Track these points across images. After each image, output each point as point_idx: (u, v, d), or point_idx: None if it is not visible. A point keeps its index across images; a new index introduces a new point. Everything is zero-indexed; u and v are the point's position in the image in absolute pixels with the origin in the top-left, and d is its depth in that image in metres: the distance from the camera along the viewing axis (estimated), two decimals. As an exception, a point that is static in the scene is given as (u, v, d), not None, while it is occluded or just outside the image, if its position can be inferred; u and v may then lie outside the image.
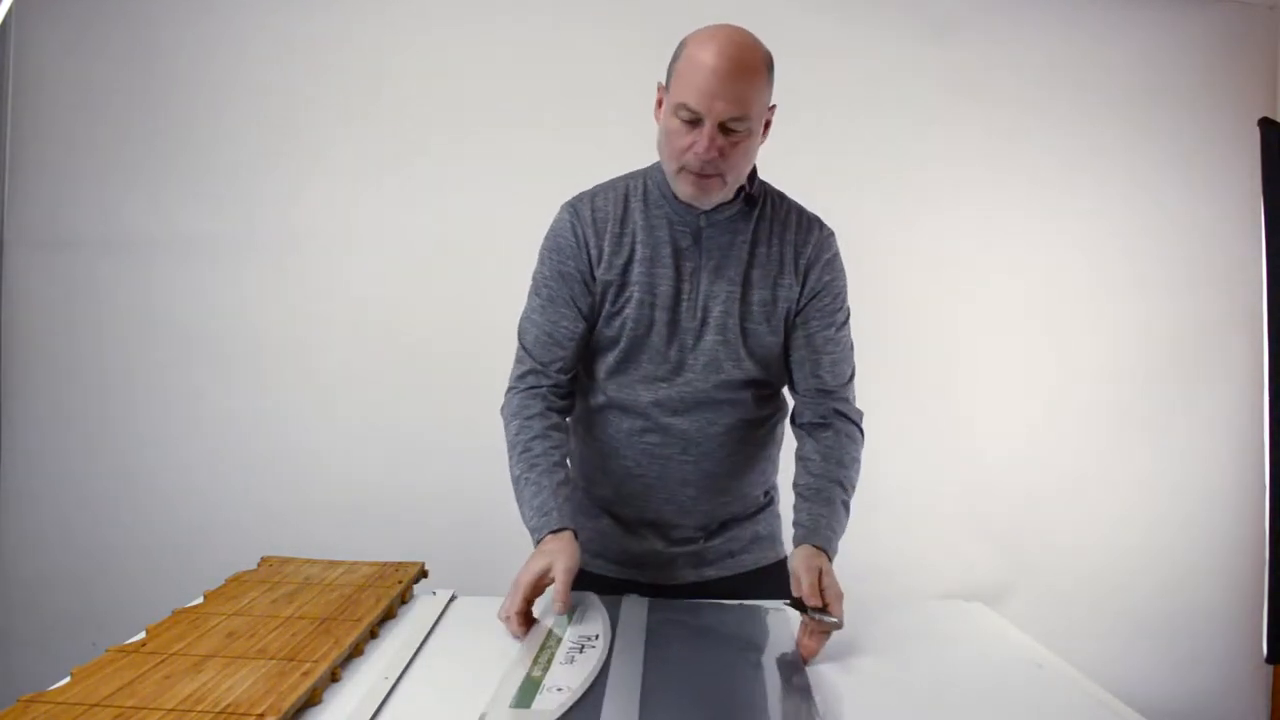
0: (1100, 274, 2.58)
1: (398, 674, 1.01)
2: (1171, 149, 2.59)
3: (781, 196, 1.38)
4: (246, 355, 2.38)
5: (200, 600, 1.23)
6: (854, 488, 1.31)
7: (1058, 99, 2.55)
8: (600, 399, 1.37)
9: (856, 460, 1.33)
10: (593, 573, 1.40)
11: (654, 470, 1.36)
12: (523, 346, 1.37)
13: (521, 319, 1.38)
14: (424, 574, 1.42)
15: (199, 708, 0.86)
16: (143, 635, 1.07)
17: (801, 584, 1.13)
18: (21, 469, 2.34)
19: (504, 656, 1.12)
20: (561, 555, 1.17)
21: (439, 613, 1.26)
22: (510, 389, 1.37)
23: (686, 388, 1.32)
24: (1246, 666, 2.60)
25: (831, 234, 1.37)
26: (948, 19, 2.52)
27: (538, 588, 1.17)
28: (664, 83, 1.26)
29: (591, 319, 1.33)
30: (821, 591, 1.12)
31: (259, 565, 1.43)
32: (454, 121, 2.41)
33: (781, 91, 2.60)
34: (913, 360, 2.49)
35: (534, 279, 1.37)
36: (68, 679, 0.92)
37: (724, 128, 1.18)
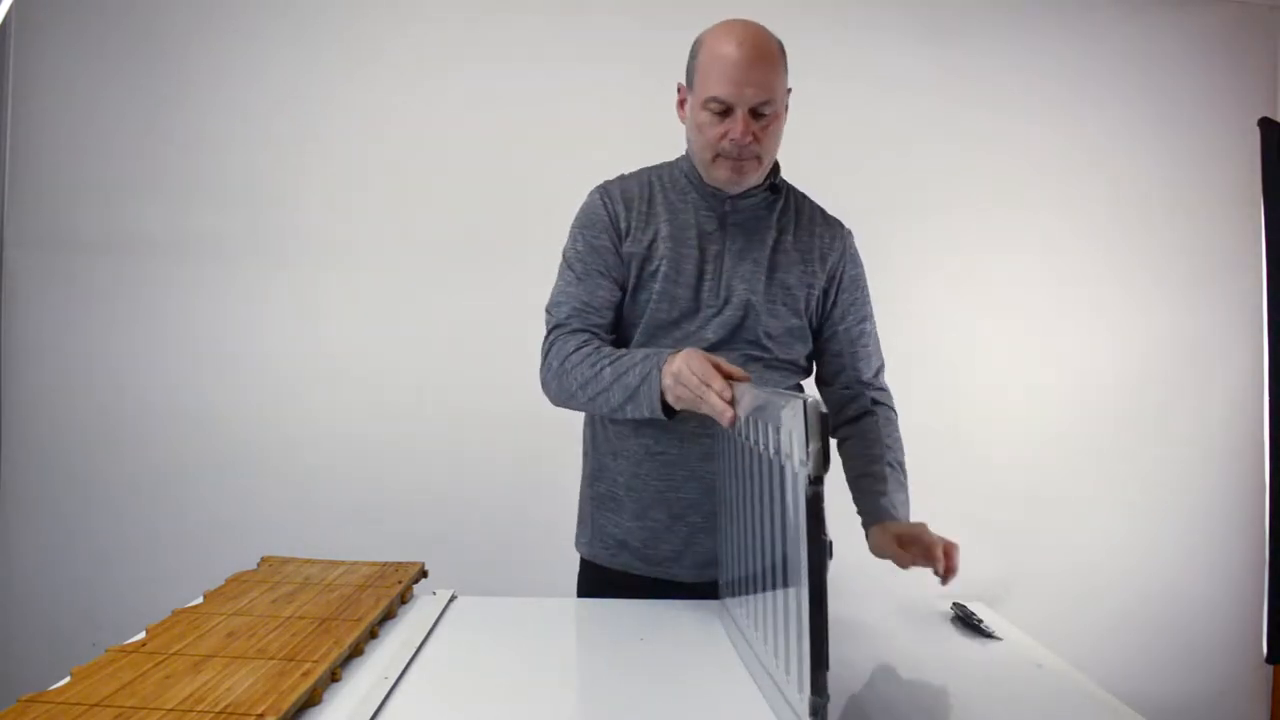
0: (1100, 274, 2.58)
1: (398, 674, 1.01)
2: (1171, 149, 2.59)
3: (805, 196, 1.45)
4: (246, 355, 2.38)
5: (200, 600, 1.23)
6: (903, 463, 1.42)
7: (1058, 99, 2.55)
8: None
9: (899, 438, 1.44)
10: (623, 570, 1.39)
11: (673, 446, 1.35)
12: (554, 313, 1.36)
13: (554, 294, 1.38)
14: (424, 574, 1.42)
15: (199, 708, 0.86)
16: (143, 635, 1.07)
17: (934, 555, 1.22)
18: (21, 469, 2.34)
19: (503, 656, 1.13)
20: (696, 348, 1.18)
21: (439, 613, 1.26)
22: (548, 347, 1.34)
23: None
24: (1246, 666, 2.60)
25: (851, 233, 1.47)
26: (947, 20, 2.52)
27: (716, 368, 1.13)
28: (684, 82, 1.34)
29: (624, 290, 1.36)
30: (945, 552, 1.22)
31: (259, 565, 1.43)
32: (460, 125, 2.41)
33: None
34: (913, 361, 2.48)
35: (565, 256, 1.39)
36: (68, 679, 0.92)
37: (754, 112, 1.26)
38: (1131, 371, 2.57)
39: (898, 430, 1.44)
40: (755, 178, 1.33)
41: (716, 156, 1.29)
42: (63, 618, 2.29)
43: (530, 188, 2.36)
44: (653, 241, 1.34)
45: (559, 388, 1.32)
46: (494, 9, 2.42)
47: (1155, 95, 2.58)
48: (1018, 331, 2.55)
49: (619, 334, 1.38)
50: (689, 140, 1.35)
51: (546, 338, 1.36)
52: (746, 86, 1.23)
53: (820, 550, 0.79)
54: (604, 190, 1.39)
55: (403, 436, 2.38)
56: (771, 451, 0.92)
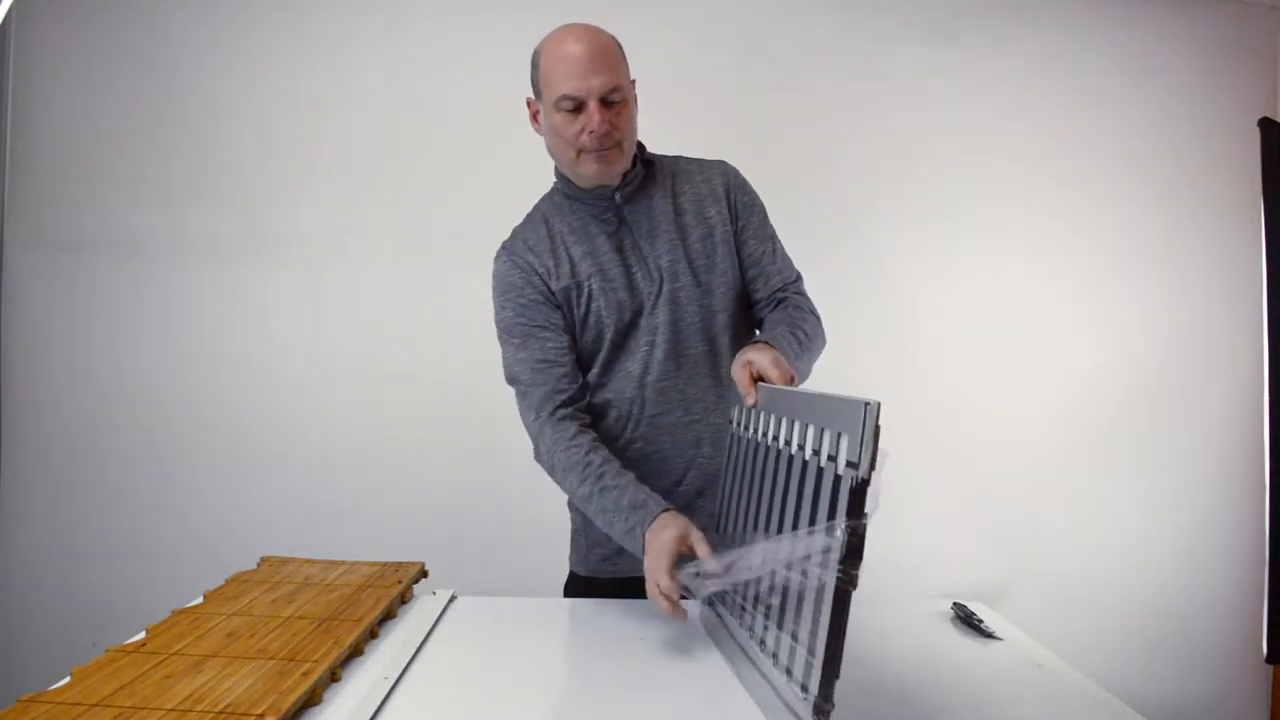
0: (1101, 274, 2.58)
1: (398, 674, 1.02)
2: (1172, 149, 2.59)
3: (677, 156, 1.47)
4: (247, 356, 2.38)
5: (200, 600, 1.23)
6: (805, 332, 1.34)
7: (1058, 99, 2.55)
8: (598, 395, 1.39)
9: (810, 324, 1.37)
10: (623, 577, 1.38)
11: (664, 441, 1.36)
12: (520, 386, 1.37)
13: (505, 368, 1.40)
14: (424, 574, 1.42)
15: (199, 708, 0.86)
16: (143, 635, 1.07)
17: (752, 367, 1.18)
18: (21, 469, 2.35)
19: (503, 656, 1.13)
20: (688, 524, 1.16)
21: (439, 613, 1.26)
22: (535, 432, 1.36)
23: (667, 345, 1.36)
24: (1246, 666, 2.60)
25: (734, 167, 1.46)
26: (948, 20, 2.52)
27: (675, 555, 1.14)
28: (532, 96, 1.37)
29: (570, 330, 1.38)
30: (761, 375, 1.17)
31: (259, 565, 1.43)
32: (459, 125, 2.40)
33: (781, 94, 2.60)
34: (913, 360, 2.49)
35: (499, 328, 1.41)
36: (68, 679, 0.92)
37: (605, 102, 1.28)
38: (1131, 372, 2.57)
39: (807, 315, 1.39)
40: (623, 164, 1.35)
41: (579, 153, 1.31)
42: (63, 618, 2.29)
43: (533, 187, 2.36)
44: (573, 267, 1.37)
45: (558, 483, 1.35)
46: (496, 7, 2.42)
47: (1155, 95, 2.58)
48: (1017, 332, 2.55)
49: (587, 364, 1.39)
50: (550, 149, 1.37)
51: (524, 413, 1.37)
52: (593, 77, 1.26)
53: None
54: (507, 250, 1.42)
55: (403, 436, 2.38)
56: (809, 452, 0.91)
